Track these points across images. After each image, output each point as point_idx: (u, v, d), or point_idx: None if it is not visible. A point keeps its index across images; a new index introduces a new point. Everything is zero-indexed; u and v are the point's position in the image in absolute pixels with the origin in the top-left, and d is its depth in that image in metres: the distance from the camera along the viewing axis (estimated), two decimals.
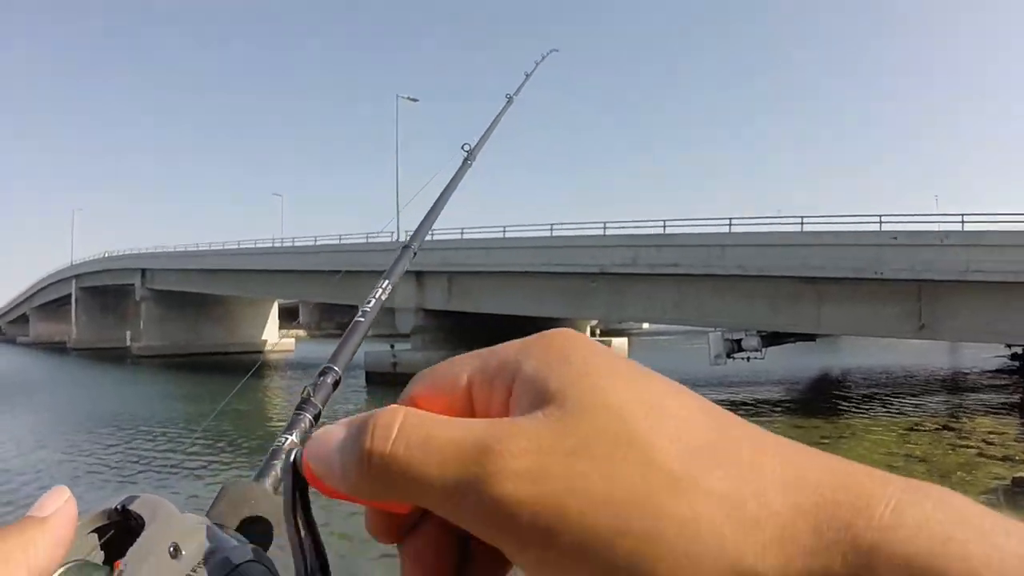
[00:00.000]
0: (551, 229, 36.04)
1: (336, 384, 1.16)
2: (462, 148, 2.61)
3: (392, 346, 42.43)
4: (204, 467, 18.53)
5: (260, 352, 73.77)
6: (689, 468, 0.36)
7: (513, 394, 0.42)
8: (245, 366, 58.31)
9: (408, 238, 1.97)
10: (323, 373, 1.16)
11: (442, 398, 0.44)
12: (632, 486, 0.35)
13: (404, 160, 54.72)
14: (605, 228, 33.28)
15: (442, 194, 2.35)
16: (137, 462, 19.81)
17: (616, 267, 31.28)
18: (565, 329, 0.44)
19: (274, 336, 78.85)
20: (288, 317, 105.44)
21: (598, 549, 0.35)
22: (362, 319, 1.36)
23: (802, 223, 27.59)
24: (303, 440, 0.88)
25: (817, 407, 25.20)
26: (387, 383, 39.16)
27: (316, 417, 1.02)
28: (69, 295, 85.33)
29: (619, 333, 62.89)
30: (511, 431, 0.38)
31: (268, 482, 0.82)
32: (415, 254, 1.88)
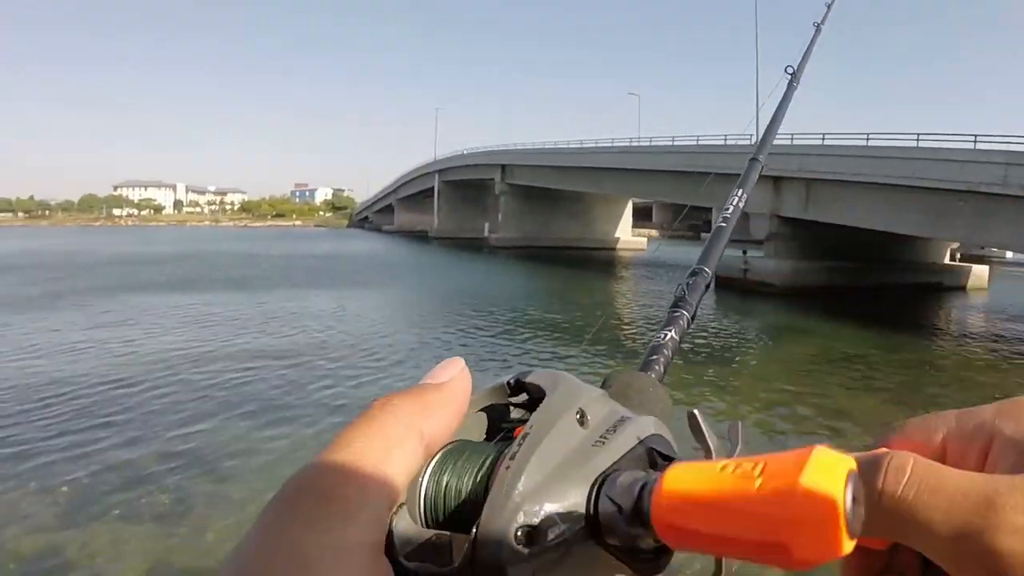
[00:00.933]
0: (917, 139, 35.88)
1: (708, 286, 1.18)
2: (785, 71, 2.54)
3: (744, 252, 43.47)
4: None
5: (612, 249, 77.74)
6: None
7: (992, 454, 0.48)
8: (597, 260, 62.11)
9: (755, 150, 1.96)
10: (694, 274, 1.18)
11: (918, 450, 0.49)
12: None
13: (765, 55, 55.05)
14: (976, 141, 32.77)
15: (774, 116, 2.26)
16: (499, 344, 21.84)
17: (984, 186, 30.67)
18: None
19: (627, 234, 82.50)
20: (641, 216, 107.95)
21: None
22: (724, 224, 1.41)
23: None
24: (666, 367, 0.90)
25: None
26: (736, 288, 41.21)
27: (692, 317, 1.07)
28: (432, 188, 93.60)
29: (979, 260, 59.80)
30: (1012, 487, 0.42)
31: (653, 375, 0.84)
32: (763, 166, 1.84)
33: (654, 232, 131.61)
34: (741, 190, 1.55)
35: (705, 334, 25.67)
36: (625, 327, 28.72)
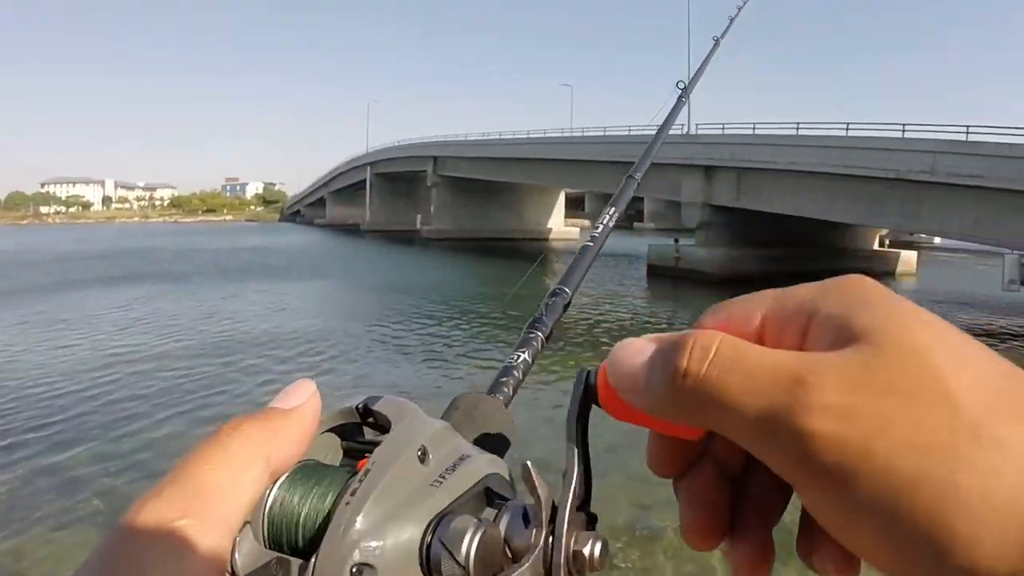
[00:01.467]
0: (847, 128, 36.22)
1: (566, 306, 1.20)
2: (676, 85, 2.69)
3: (676, 240, 43.68)
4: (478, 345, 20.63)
5: (545, 239, 77.70)
6: (990, 419, 0.36)
7: (811, 333, 0.45)
8: (530, 252, 61.88)
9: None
10: (554, 294, 1.20)
11: (736, 331, 0.47)
12: (936, 432, 0.36)
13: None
14: (904, 130, 33.09)
15: (659, 131, 2.34)
16: (417, 335, 21.63)
17: (913, 174, 30.94)
18: (859, 276, 0.47)
19: (560, 225, 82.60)
20: (574, 207, 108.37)
21: (899, 494, 0.36)
22: (591, 244, 1.39)
23: None
24: (515, 389, 0.90)
25: None
26: (668, 277, 41.38)
27: (547, 337, 1.09)
28: (364, 180, 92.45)
29: (908, 246, 61.02)
30: (824, 364, 0.40)
31: (501, 398, 0.85)
32: (638, 183, 1.89)
33: (586, 222, 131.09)
34: (613, 208, 1.54)
35: (638, 323, 25.61)
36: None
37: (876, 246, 52.90)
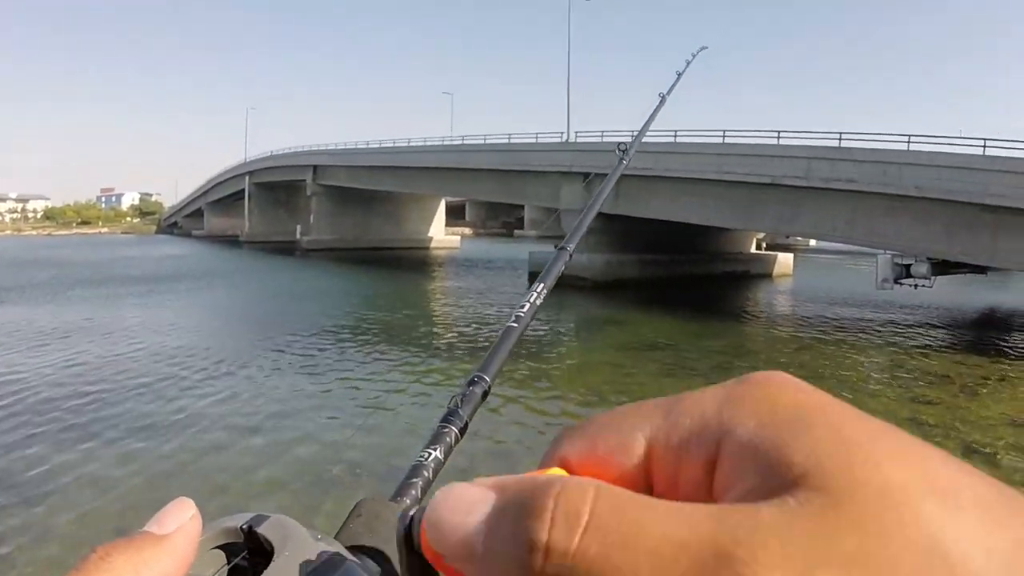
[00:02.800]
0: (723, 135, 36.26)
1: (485, 395, 1.10)
2: (618, 148, 2.57)
3: (556, 246, 43.10)
4: (363, 356, 19.20)
5: (426, 248, 76.90)
6: None
7: (724, 468, 0.30)
8: (411, 260, 61.04)
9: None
10: (472, 383, 1.09)
11: (608, 466, 0.33)
12: None
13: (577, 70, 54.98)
14: (779, 137, 33.32)
15: (598, 193, 2.24)
16: (298, 345, 20.18)
17: (788, 179, 31.27)
18: (775, 372, 0.33)
19: (440, 233, 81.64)
20: (455, 215, 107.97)
21: None
22: (515, 324, 1.26)
23: (984, 146, 26.63)
24: (424, 491, 0.81)
25: (981, 345, 24.80)
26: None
27: (462, 431, 0.97)
28: (243, 190, 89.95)
29: (785, 248, 62.40)
30: (758, 529, 0.25)
31: (408, 501, 0.77)
32: (571, 256, 1.68)
33: (467, 230, 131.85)
34: (542, 284, 1.42)
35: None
36: (425, 325, 27.73)
37: (754, 249, 53.58)
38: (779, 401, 0.30)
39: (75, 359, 18.93)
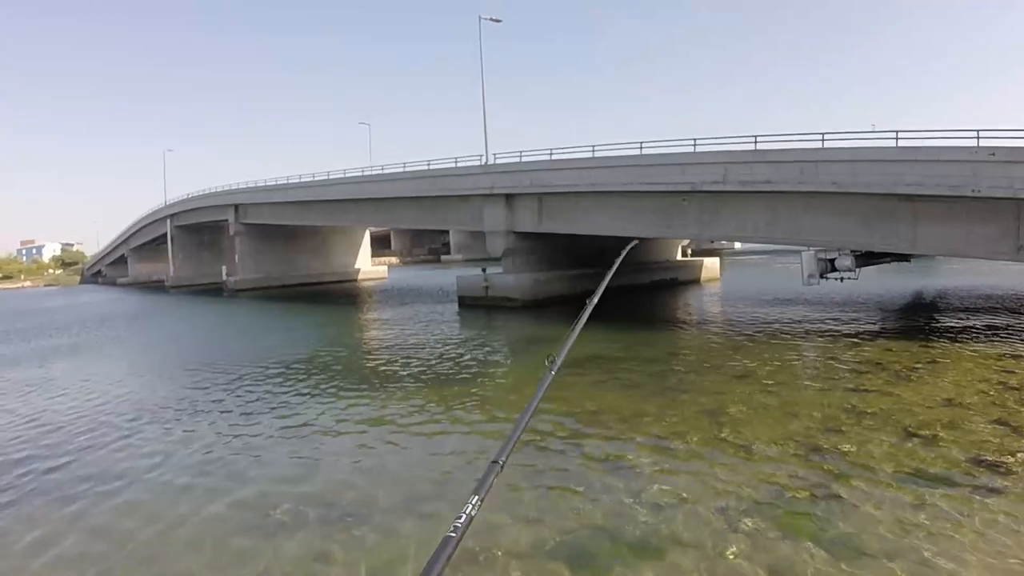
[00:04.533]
0: (640, 147, 36.07)
1: None
2: (547, 360, 3.30)
3: (484, 270, 43.05)
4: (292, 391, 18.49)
5: (354, 280, 76.13)
6: None
7: None
8: (339, 293, 60.27)
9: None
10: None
11: None
12: None
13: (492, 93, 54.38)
14: (695, 145, 33.20)
15: (528, 405, 2.77)
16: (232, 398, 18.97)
17: (707, 185, 31.20)
18: None
19: (367, 264, 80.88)
20: (380, 245, 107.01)
21: None
22: (452, 534, 1.35)
23: (896, 138, 26.62)
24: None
25: (910, 331, 25.09)
26: (479, 307, 40.86)
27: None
28: (165, 234, 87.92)
29: (711, 253, 63.08)
30: None
31: None
32: (502, 467, 1.95)
33: (394, 259, 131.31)
34: (476, 497, 1.54)
35: (452, 354, 24.47)
36: (348, 357, 27.09)
37: (680, 256, 53.69)
38: None
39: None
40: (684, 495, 9.97)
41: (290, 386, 20.01)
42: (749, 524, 8.86)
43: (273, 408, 17.32)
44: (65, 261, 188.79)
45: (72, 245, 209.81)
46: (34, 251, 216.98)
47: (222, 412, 17.29)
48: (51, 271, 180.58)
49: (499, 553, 8.43)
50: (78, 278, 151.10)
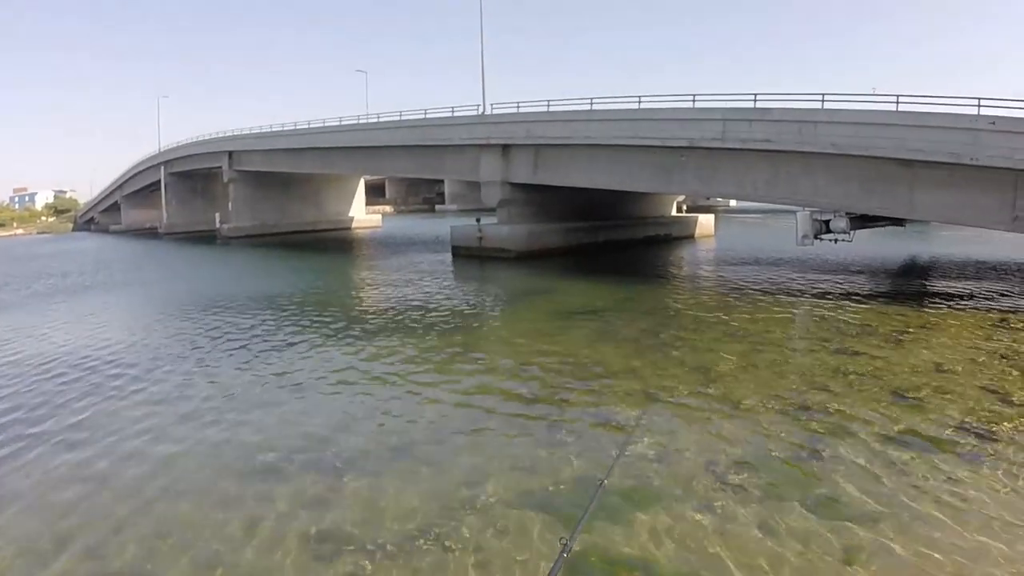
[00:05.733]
0: (639, 101, 35.81)
1: None
2: (560, 540, 3.52)
3: (478, 220, 42.90)
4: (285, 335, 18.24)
5: (348, 228, 75.97)
6: None
7: None
8: (333, 241, 60.12)
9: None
10: None
11: None
12: None
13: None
14: (695, 100, 32.95)
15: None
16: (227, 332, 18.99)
17: (706, 141, 31.10)
18: None
19: (361, 212, 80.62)
20: (375, 193, 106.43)
21: None
22: None
23: (897, 102, 26.31)
24: None
25: (902, 295, 24.98)
26: (473, 257, 40.94)
27: None
28: (158, 181, 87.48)
29: (706, 210, 62.89)
30: None
31: None
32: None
33: (388, 208, 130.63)
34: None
35: (448, 304, 24.48)
36: (352, 302, 27.15)
37: (675, 212, 53.44)
38: None
39: None
40: (672, 448, 10.09)
41: (274, 335, 20.08)
42: (735, 479, 8.97)
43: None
44: (58, 208, 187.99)
45: (65, 192, 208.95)
46: (27, 199, 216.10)
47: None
48: (44, 218, 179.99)
49: (493, 500, 8.57)
50: (71, 225, 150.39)
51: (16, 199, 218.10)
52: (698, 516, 8.06)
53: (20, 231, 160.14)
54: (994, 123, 23.49)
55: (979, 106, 24.23)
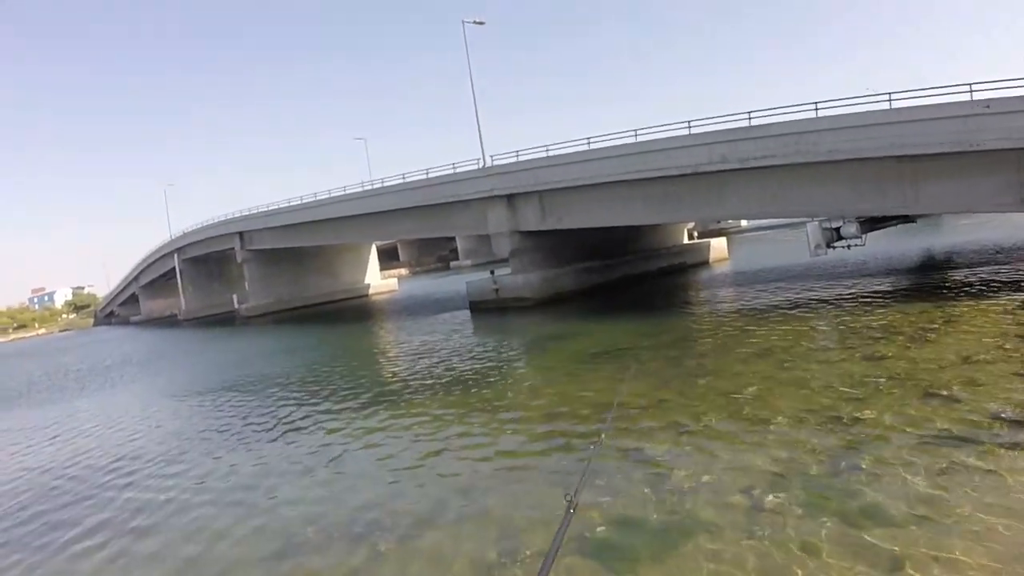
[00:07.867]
0: (635, 134, 35.98)
1: None
2: (565, 497, 3.56)
3: (492, 272, 42.96)
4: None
5: (365, 296, 75.93)
6: None
7: None
8: (351, 311, 60.06)
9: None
10: None
11: None
12: None
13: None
14: (690, 127, 33.06)
15: (549, 551, 2.94)
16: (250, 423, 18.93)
17: (707, 166, 31.18)
18: None
19: (376, 278, 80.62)
20: (388, 257, 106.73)
21: None
22: None
23: (890, 99, 26.47)
24: None
25: (923, 291, 24.97)
26: (491, 309, 40.87)
27: None
28: (173, 269, 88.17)
29: (718, 233, 62.87)
30: None
31: None
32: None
33: (403, 270, 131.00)
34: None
35: (469, 360, 24.40)
36: (361, 373, 27.11)
37: (686, 240, 53.47)
38: None
39: None
40: (706, 478, 9.95)
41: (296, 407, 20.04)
42: (773, 502, 8.82)
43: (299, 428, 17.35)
44: (77, 305, 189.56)
45: (83, 288, 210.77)
46: (46, 298, 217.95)
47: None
48: (64, 316, 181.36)
49: (528, 552, 8.46)
50: (91, 320, 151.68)
51: (35, 299, 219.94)
52: (743, 541, 7.92)
53: (42, 331, 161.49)
54: (988, 106, 23.53)
55: (971, 91, 24.31)
